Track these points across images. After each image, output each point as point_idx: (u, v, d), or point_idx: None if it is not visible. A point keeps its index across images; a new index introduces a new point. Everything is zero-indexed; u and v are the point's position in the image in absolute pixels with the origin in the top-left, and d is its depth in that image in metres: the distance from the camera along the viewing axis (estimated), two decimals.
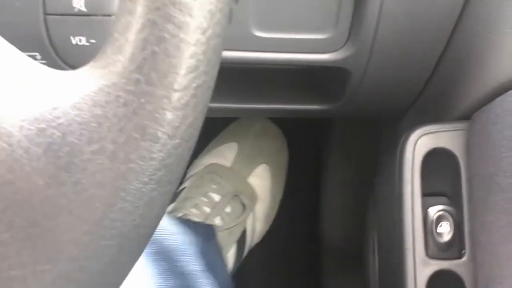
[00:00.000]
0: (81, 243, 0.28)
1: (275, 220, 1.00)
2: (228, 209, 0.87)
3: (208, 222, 0.84)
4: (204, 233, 0.80)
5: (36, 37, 0.44)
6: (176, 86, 0.28)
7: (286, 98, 0.64)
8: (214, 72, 0.30)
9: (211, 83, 0.30)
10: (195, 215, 0.84)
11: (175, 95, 0.28)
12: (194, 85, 0.28)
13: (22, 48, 0.29)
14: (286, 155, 0.99)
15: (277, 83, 0.64)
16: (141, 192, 0.28)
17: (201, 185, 0.88)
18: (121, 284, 0.31)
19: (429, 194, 0.54)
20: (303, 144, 1.09)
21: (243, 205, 0.89)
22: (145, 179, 0.28)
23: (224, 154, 0.93)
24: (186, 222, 0.80)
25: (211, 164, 0.92)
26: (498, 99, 0.51)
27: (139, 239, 0.30)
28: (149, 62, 0.27)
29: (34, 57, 0.46)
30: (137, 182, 0.28)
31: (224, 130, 0.97)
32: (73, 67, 0.39)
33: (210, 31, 0.28)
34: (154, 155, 0.28)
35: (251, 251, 0.98)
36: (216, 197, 0.87)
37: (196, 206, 0.85)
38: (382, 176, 0.65)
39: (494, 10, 0.52)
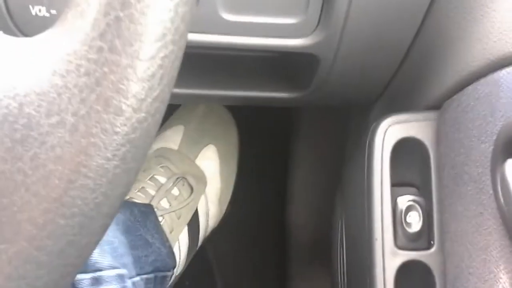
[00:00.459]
0: (39, 222, 0.26)
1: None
2: (175, 192, 0.86)
3: (153, 204, 0.83)
4: (139, 212, 0.79)
5: None
6: (141, 55, 0.26)
7: (253, 85, 0.62)
8: (183, 42, 0.28)
9: (179, 54, 0.28)
10: (140, 198, 0.84)
11: (141, 65, 0.26)
12: (161, 55, 0.27)
13: None
14: (235, 135, 0.99)
15: (243, 70, 0.62)
16: (103, 169, 0.27)
17: (148, 169, 0.87)
18: (82, 265, 0.29)
19: (398, 184, 0.54)
20: (271, 133, 1.09)
21: (191, 187, 0.88)
22: (108, 155, 0.27)
23: (171, 138, 0.93)
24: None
25: (159, 148, 0.91)
26: (469, 88, 0.50)
27: (101, 218, 0.28)
28: (113, 28, 0.26)
29: None
30: (100, 157, 0.26)
31: (172, 114, 0.97)
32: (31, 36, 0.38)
33: (178, 1, 0.27)
34: (118, 129, 0.26)
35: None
36: (162, 180, 0.86)
37: (142, 189, 0.85)
38: (350, 165, 0.65)
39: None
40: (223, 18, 0.52)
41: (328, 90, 0.60)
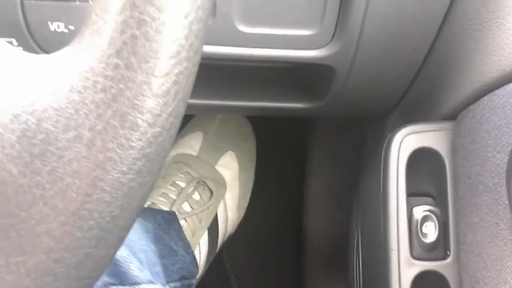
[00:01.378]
0: (56, 235, 0.27)
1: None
2: (195, 196, 0.87)
3: (175, 208, 0.84)
4: (163, 219, 0.80)
5: (13, 22, 0.43)
6: (156, 72, 0.27)
7: (270, 96, 0.63)
8: (197, 58, 0.29)
9: (193, 70, 0.29)
10: (162, 203, 0.84)
11: (156, 82, 0.27)
12: (175, 71, 0.27)
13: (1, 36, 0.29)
14: (253, 140, 0.99)
15: (260, 81, 0.63)
16: (119, 183, 0.27)
17: (169, 175, 0.88)
18: (99, 277, 0.30)
19: (414, 194, 0.54)
20: (287, 142, 1.09)
21: (211, 192, 0.88)
22: (124, 169, 0.27)
23: (190, 144, 0.93)
24: (145, 210, 0.80)
25: (178, 154, 0.92)
26: (484, 98, 0.50)
27: (117, 231, 0.29)
28: (129, 46, 0.26)
29: (10, 43, 0.45)
30: (116, 171, 0.27)
31: (190, 121, 0.97)
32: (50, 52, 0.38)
33: (192, 15, 0.27)
34: (134, 144, 0.27)
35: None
36: (183, 185, 0.87)
37: (163, 194, 0.85)
38: (366, 175, 0.65)
39: (481, 8, 0.51)
40: (239, 30, 0.52)
41: (344, 101, 0.60)
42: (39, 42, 0.43)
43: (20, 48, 0.34)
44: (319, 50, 0.54)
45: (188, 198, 0.86)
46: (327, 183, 1.00)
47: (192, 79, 0.29)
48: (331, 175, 0.99)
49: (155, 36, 0.26)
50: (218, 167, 0.92)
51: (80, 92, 0.26)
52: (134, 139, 0.27)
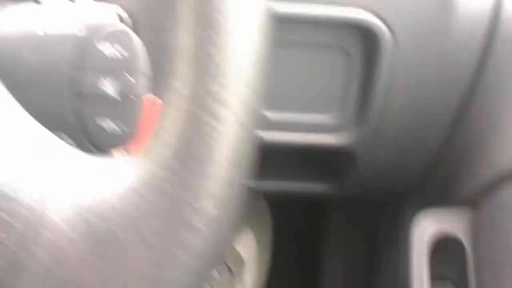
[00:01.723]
0: None
1: None
2: (216, 275, 0.86)
3: None
4: None
5: (65, 119, 0.44)
6: (214, 177, 0.28)
7: (285, 175, 0.63)
8: (249, 163, 0.30)
9: (247, 174, 0.30)
10: None
11: (213, 186, 0.28)
12: (231, 175, 0.28)
13: (50, 129, 0.29)
14: (270, 221, 0.99)
15: (277, 160, 0.63)
16: (177, 281, 0.28)
17: None
18: None
19: (436, 279, 0.54)
20: (302, 224, 1.09)
21: (230, 272, 0.88)
22: (182, 268, 0.28)
23: None
24: None
25: None
26: (505, 185, 0.51)
27: None
28: (189, 151, 0.27)
29: (60, 136, 0.46)
30: (175, 271, 0.28)
31: None
32: (102, 150, 0.40)
33: (248, 125, 0.29)
34: (192, 245, 0.28)
35: None
36: None
37: None
38: (384, 260, 0.65)
39: (501, 96, 0.52)
40: (263, 114, 0.54)
41: (362, 182, 0.61)
42: (91, 139, 0.44)
43: (72, 143, 0.35)
44: (339, 136, 0.55)
45: (208, 278, 0.85)
46: (342, 266, 0.99)
47: (245, 182, 0.30)
48: (347, 258, 0.99)
49: (213, 144, 0.27)
50: (236, 245, 0.91)
51: (141, 195, 0.27)
52: (192, 240, 0.28)
